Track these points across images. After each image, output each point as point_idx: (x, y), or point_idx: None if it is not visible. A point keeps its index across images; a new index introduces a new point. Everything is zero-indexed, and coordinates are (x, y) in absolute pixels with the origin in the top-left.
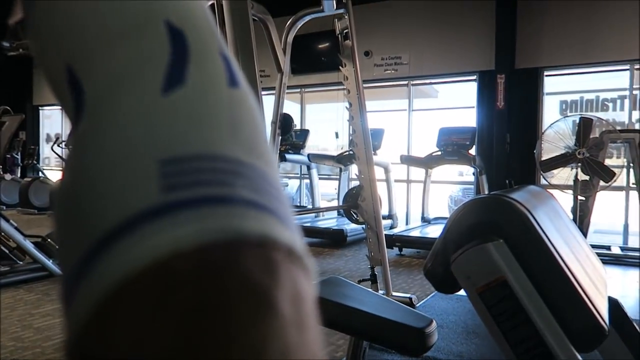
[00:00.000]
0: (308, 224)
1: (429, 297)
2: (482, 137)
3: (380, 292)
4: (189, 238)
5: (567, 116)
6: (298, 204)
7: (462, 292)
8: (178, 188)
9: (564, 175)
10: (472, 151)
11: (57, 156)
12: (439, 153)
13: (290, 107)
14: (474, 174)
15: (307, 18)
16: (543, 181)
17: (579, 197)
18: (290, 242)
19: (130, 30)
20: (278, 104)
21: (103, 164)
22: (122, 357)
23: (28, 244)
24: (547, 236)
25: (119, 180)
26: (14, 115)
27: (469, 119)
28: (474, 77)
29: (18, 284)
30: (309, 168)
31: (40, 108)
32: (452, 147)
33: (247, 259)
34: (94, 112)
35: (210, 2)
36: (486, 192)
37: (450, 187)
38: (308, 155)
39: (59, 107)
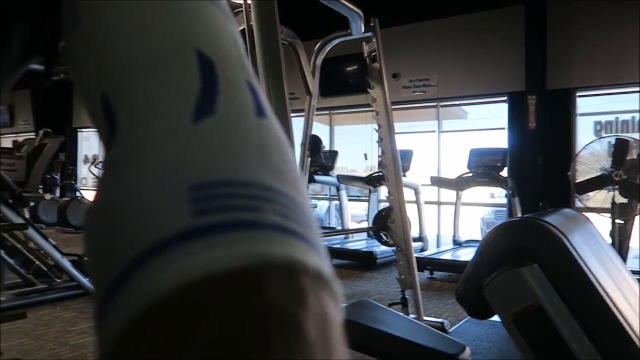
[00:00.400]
0: (337, 246)
1: (461, 322)
2: (513, 158)
3: (411, 316)
4: (218, 262)
5: (602, 137)
6: (327, 225)
7: (496, 318)
8: (207, 213)
9: (600, 197)
10: (504, 173)
11: (94, 177)
12: (470, 174)
13: (319, 129)
14: (506, 196)
15: (336, 41)
16: (578, 204)
17: (617, 221)
18: (318, 266)
19: (163, 59)
20: (307, 126)
21: (136, 187)
22: None
23: (65, 262)
24: (583, 261)
25: (151, 204)
26: (55, 137)
27: (500, 140)
28: (505, 98)
29: (55, 301)
30: (338, 189)
31: (78, 130)
32: (483, 168)
33: (274, 284)
34: (126, 138)
35: (241, 28)
36: (519, 215)
37: (482, 209)
38: (337, 177)
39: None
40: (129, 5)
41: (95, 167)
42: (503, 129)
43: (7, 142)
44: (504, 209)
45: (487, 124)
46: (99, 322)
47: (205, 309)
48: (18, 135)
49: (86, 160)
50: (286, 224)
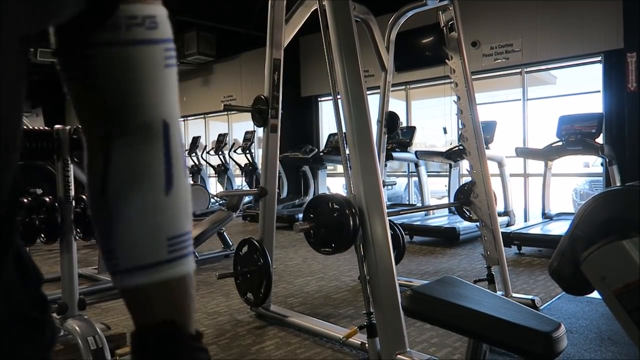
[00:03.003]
0: (418, 223)
1: (554, 299)
2: (610, 123)
3: (499, 293)
4: (181, 272)
5: None
6: (407, 203)
7: (594, 294)
8: (175, 251)
9: None
10: (600, 140)
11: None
12: (560, 143)
13: (396, 105)
14: (602, 164)
15: (410, 13)
16: None
17: None
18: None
19: (145, 132)
20: (383, 103)
21: (139, 234)
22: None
23: None
24: None
25: (150, 244)
26: None
27: (594, 104)
28: (599, 59)
29: None
30: (417, 165)
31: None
32: (575, 136)
33: (193, 279)
34: (124, 196)
35: (313, 8)
36: (618, 184)
37: (574, 180)
38: (415, 153)
39: (181, 119)
40: (126, 77)
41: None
42: (597, 92)
43: None
44: (600, 178)
45: (579, 88)
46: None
47: (180, 287)
48: None
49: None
50: (192, 250)
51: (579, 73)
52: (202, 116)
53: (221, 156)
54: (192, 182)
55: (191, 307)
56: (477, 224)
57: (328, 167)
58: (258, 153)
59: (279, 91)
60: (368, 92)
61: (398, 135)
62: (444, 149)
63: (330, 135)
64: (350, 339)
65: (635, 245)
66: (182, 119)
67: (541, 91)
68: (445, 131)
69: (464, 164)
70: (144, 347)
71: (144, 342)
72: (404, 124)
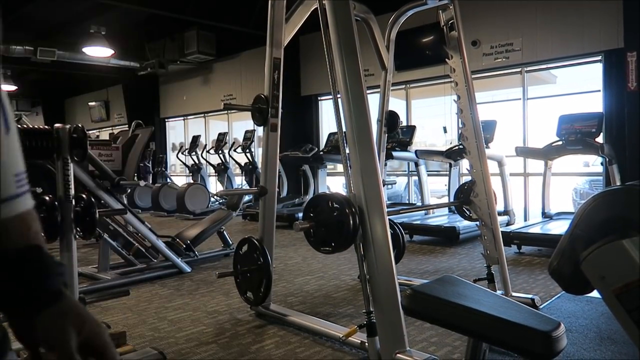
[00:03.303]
0: (418, 222)
1: (554, 298)
2: (610, 123)
3: (499, 292)
4: (30, 204)
5: None
6: (407, 202)
7: (593, 294)
8: (20, 187)
9: None
10: (600, 139)
11: (181, 163)
12: (560, 143)
13: (396, 104)
14: (602, 164)
15: (410, 12)
16: None
17: None
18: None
19: None
20: (383, 102)
21: None
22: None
23: (160, 244)
24: None
25: (3, 182)
26: (145, 127)
27: (594, 104)
28: (599, 58)
29: (153, 279)
30: (416, 165)
31: (166, 120)
32: (575, 135)
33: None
34: None
35: (313, 7)
36: (618, 184)
37: (574, 180)
38: (415, 152)
39: (181, 119)
40: None
41: (182, 154)
42: (597, 91)
43: (104, 135)
44: (600, 178)
45: (579, 87)
46: None
47: (27, 220)
48: (113, 127)
49: (174, 148)
50: (27, 188)
51: (579, 72)
52: (202, 115)
53: (221, 155)
54: (192, 181)
55: (41, 233)
56: (477, 223)
57: (328, 166)
58: (258, 152)
59: (279, 90)
60: (368, 91)
61: (398, 134)
62: (444, 148)
63: (330, 135)
64: (350, 338)
65: (635, 245)
66: (182, 118)
67: (541, 90)
68: (445, 130)
69: (464, 163)
70: (16, 267)
71: (13, 263)
72: (404, 123)
